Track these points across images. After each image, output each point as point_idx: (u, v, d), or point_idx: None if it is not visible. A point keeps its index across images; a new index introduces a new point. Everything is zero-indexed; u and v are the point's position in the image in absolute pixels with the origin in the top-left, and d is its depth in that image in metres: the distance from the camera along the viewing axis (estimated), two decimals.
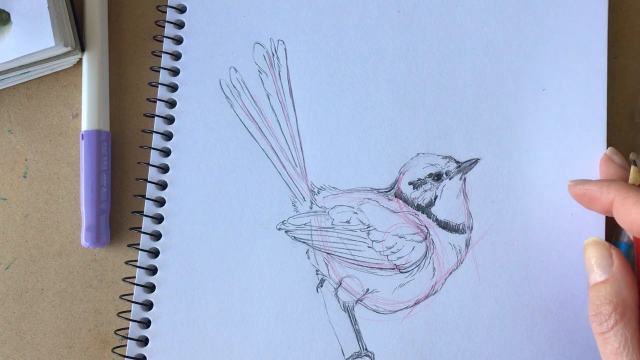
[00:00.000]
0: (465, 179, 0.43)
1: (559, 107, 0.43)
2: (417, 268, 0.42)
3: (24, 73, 0.44)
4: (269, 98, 0.44)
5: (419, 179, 0.43)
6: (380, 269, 0.42)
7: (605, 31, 0.43)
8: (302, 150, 0.43)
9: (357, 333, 0.42)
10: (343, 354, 0.42)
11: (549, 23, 0.43)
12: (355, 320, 0.42)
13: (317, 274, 0.42)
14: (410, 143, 0.43)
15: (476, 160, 0.43)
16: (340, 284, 0.42)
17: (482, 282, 0.42)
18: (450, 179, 0.43)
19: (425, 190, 0.43)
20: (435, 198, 0.43)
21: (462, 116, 0.43)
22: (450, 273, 0.42)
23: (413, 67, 0.44)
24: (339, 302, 0.42)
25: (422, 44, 0.44)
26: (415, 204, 0.43)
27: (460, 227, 0.42)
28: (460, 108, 0.43)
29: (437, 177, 0.43)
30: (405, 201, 0.43)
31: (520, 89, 0.43)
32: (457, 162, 0.43)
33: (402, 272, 0.42)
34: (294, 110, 0.44)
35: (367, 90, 0.44)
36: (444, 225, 0.42)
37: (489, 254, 0.42)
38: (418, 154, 0.43)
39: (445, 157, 0.43)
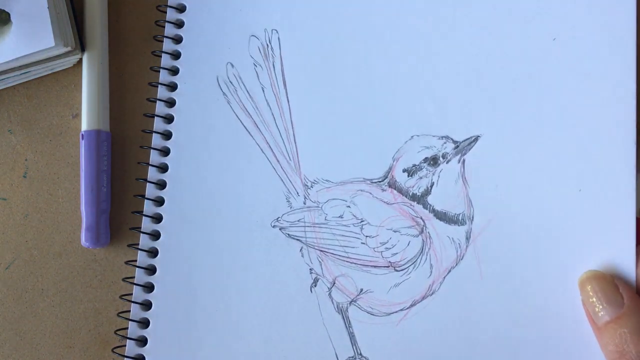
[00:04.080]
0: (464, 162, 0.40)
1: (574, 62, 0.39)
2: (412, 265, 0.40)
3: (24, 73, 0.44)
4: (263, 91, 0.44)
5: (414, 165, 0.41)
6: (374, 267, 0.41)
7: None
8: (295, 143, 0.43)
9: (352, 336, 0.41)
10: (337, 358, 0.41)
11: None
12: (350, 323, 0.41)
13: (310, 272, 0.42)
14: (404, 125, 0.41)
15: (476, 138, 0.40)
16: (334, 283, 0.41)
17: (484, 280, 0.39)
18: (447, 162, 0.40)
19: (421, 178, 0.41)
20: (432, 185, 0.41)
21: (459, 89, 0.41)
22: (449, 271, 0.40)
23: (407, 44, 0.42)
24: (332, 303, 0.41)
25: (416, 21, 0.42)
26: (410, 194, 0.41)
27: (460, 218, 0.40)
28: (457, 79, 0.41)
29: (433, 161, 0.40)
30: (400, 191, 0.41)
31: (526, 42, 0.40)
32: (454, 142, 0.41)
33: (397, 271, 0.40)
34: (288, 101, 0.43)
35: (359, 74, 0.43)
36: (442, 216, 0.40)
37: (493, 247, 0.39)
38: (412, 136, 0.41)
39: (442, 137, 0.41)
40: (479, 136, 0.41)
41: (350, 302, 0.41)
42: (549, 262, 0.39)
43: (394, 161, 0.42)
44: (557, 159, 0.40)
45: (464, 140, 0.41)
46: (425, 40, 0.42)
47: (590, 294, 0.36)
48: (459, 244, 0.40)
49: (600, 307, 0.35)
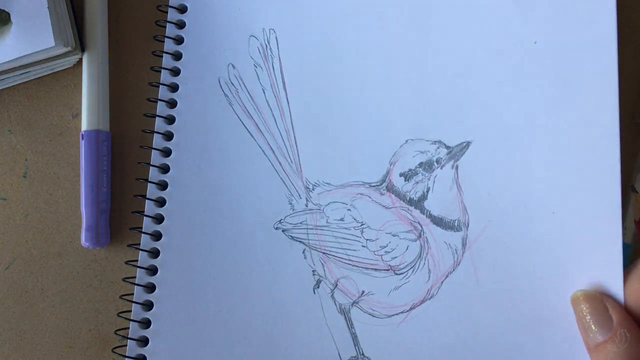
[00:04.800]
0: (457, 167, 0.41)
1: (561, 67, 0.40)
2: (411, 269, 0.41)
3: (24, 73, 0.44)
4: (264, 93, 0.44)
5: (410, 170, 0.41)
6: (375, 269, 0.41)
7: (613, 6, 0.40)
8: (296, 145, 0.43)
9: (354, 337, 0.41)
10: (340, 358, 0.41)
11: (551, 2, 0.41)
12: (352, 324, 0.41)
13: (313, 274, 0.42)
14: (399, 129, 0.42)
15: (467, 144, 0.41)
16: (337, 285, 0.42)
17: (480, 286, 0.40)
18: (441, 168, 0.41)
19: (417, 182, 0.41)
20: (428, 190, 0.41)
21: (449, 94, 0.41)
22: (447, 276, 0.41)
23: (403, 49, 0.43)
24: (335, 304, 0.42)
25: (410, 26, 0.43)
26: (408, 198, 0.41)
27: (456, 224, 0.41)
28: (447, 84, 0.42)
29: (428, 165, 0.41)
30: (397, 195, 0.41)
31: (512, 49, 0.41)
32: (447, 147, 0.41)
33: (396, 274, 0.41)
34: (288, 103, 0.44)
35: (356, 77, 0.43)
36: (438, 222, 0.41)
37: (488, 254, 0.40)
38: (407, 140, 0.42)
39: (435, 142, 0.41)
40: (470, 142, 0.41)
41: (352, 304, 0.42)
42: (542, 268, 0.40)
43: (390, 165, 0.42)
44: (547, 166, 0.40)
45: (456, 146, 0.41)
46: (417, 45, 0.43)
47: (580, 315, 0.37)
48: (455, 249, 0.41)
49: (592, 328, 0.36)
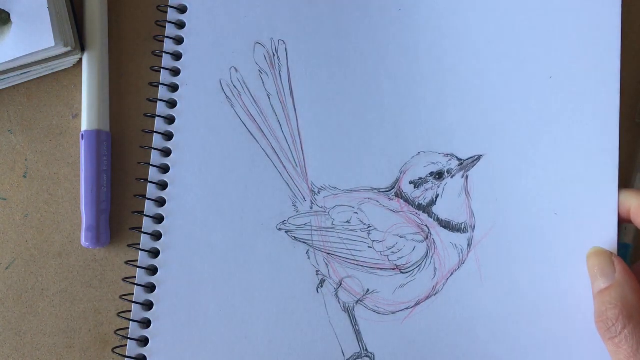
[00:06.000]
0: (467, 177, 0.42)
1: (567, 96, 0.42)
2: (417, 268, 0.42)
3: (24, 73, 0.44)
4: (269, 98, 0.44)
5: (420, 178, 0.43)
6: (381, 269, 0.42)
7: (619, 10, 0.43)
8: (302, 150, 0.43)
9: (358, 334, 0.42)
10: (343, 355, 0.42)
11: (556, 10, 0.43)
12: (356, 321, 0.42)
13: (317, 274, 0.42)
14: (411, 142, 0.43)
15: (479, 157, 0.43)
16: (341, 284, 0.42)
17: (484, 283, 0.41)
18: (452, 177, 0.42)
19: (427, 190, 0.43)
20: (437, 197, 0.42)
21: (464, 112, 0.43)
22: (452, 273, 0.42)
23: (414, 65, 0.44)
24: (339, 302, 0.42)
25: (424, 41, 0.44)
26: (416, 204, 0.42)
27: (462, 227, 0.42)
28: (463, 103, 0.43)
29: (439, 175, 0.42)
30: (406, 201, 0.43)
31: (525, 79, 0.43)
32: (459, 159, 0.43)
33: (402, 273, 0.42)
34: (295, 110, 0.44)
35: (368, 90, 0.44)
36: (446, 225, 0.42)
37: (492, 253, 0.42)
38: (419, 152, 0.43)
39: (447, 155, 0.43)
40: (481, 155, 0.43)
41: (357, 302, 0.42)
42: (542, 267, 0.41)
43: (401, 174, 0.43)
44: (550, 177, 0.42)
45: (468, 159, 0.43)
46: (434, 66, 0.44)
47: (591, 267, 0.40)
48: (461, 249, 0.42)
49: (597, 277, 0.39)
